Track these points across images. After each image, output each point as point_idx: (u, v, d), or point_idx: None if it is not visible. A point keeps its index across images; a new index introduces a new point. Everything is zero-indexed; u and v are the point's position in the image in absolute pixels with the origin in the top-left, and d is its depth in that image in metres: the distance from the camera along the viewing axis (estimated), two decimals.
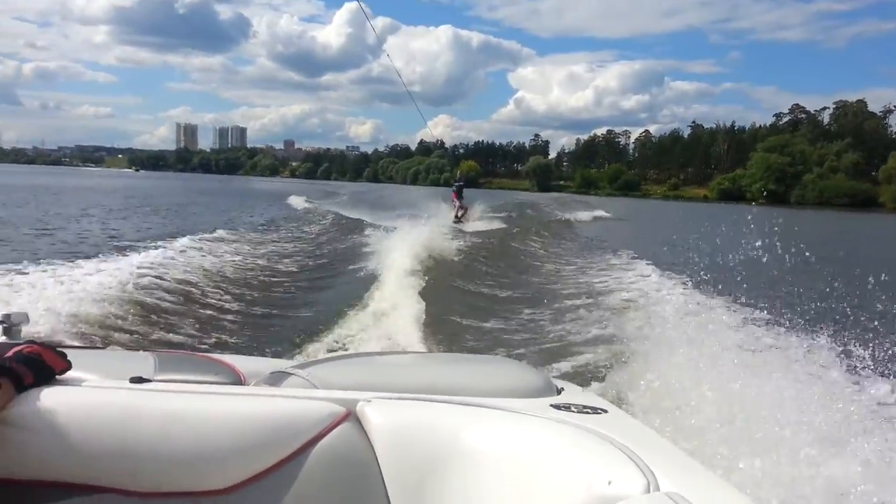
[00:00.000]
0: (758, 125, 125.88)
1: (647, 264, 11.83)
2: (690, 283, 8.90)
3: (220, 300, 7.60)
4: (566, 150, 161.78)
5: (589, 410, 1.39)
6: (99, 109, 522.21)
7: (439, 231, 13.91)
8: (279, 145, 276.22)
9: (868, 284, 6.43)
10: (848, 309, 6.30)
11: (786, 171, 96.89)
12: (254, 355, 2.72)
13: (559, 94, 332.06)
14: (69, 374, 1.33)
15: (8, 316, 1.63)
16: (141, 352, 1.85)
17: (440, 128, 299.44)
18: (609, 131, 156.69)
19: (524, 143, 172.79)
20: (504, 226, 20.93)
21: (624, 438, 1.20)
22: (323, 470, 1.27)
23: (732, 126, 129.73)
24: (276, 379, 1.49)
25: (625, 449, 1.15)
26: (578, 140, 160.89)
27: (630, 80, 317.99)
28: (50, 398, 1.22)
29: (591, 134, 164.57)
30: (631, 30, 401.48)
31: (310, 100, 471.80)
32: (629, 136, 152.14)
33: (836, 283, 7.66)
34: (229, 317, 7.02)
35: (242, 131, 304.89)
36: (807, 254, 7.23)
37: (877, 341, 4.02)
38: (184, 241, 11.79)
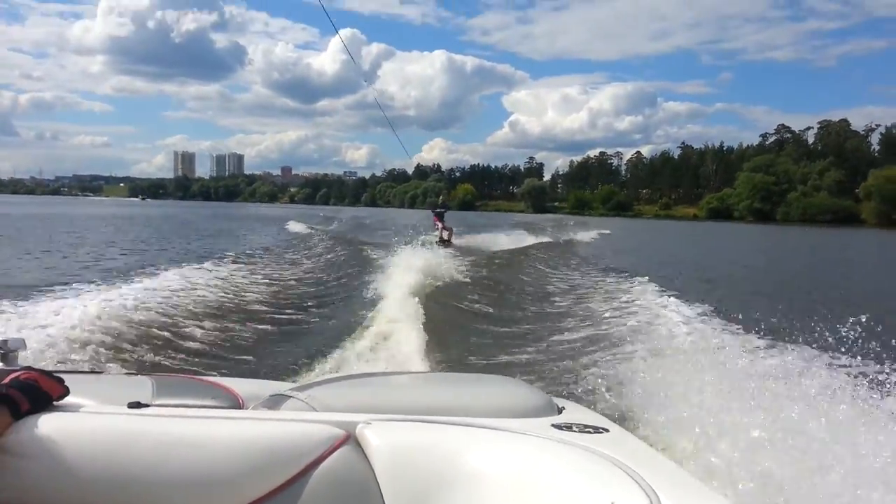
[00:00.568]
0: (745, 145, 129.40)
1: (643, 278, 12.18)
2: (695, 301, 9.12)
3: (218, 324, 7.56)
4: (560, 172, 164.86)
5: (591, 430, 1.40)
6: (95, 139, 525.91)
7: (440, 252, 14.04)
8: (276, 171, 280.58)
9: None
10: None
11: (771, 190, 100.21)
12: (252, 378, 2.96)
13: (553, 116, 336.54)
14: (67, 399, 1.33)
15: (5, 342, 1.63)
16: (139, 376, 1.85)
17: (436, 151, 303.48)
18: (602, 153, 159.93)
19: (519, 165, 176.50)
20: (510, 246, 21.25)
21: (626, 458, 1.20)
22: (323, 494, 1.26)
23: (721, 146, 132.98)
24: (275, 402, 1.49)
25: (627, 469, 1.15)
26: (572, 162, 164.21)
27: (623, 101, 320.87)
28: (47, 424, 1.22)
29: (585, 156, 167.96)
30: (622, 52, 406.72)
31: (305, 126, 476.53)
32: (621, 158, 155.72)
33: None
34: (227, 340, 7.01)
35: (240, 158, 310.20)
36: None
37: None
38: (183, 267, 11.95)
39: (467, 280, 12.07)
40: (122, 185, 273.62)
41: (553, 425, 1.41)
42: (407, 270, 10.49)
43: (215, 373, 5.12)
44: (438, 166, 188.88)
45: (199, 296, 8.86)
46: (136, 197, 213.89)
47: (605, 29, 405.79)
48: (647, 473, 1.12)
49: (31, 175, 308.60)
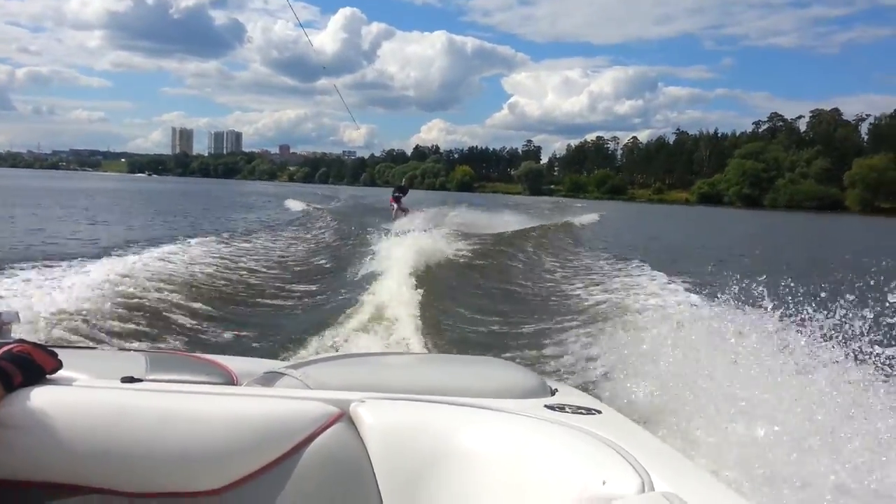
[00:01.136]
0: (738, 132, 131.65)
1: (642, 262, 12.27)
2: (691, 283, 9.25)
3: (213, 300, 7.56)
4: (557, 156, 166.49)
5: (583, 411, 1.41)
6: (92, 114, 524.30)
7: (438, 234, 14.08)
8: (274, 150, 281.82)
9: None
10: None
11: (760, 177, 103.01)
12: (247, 356, 3.10)
13: (554, 99, 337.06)
14: (60, 373, 1.32)
15: None
16: (133, 351, 1.83)
17: (434, 132, 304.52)
18: (598, 137, 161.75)
19: (517, 148, 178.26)
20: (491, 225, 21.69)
21: (618, 438, 1.21)
22: (316, 470, 1.27)
23: (716, 133, 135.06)
24: (269, 379, 1.50)
25: (619, 449, 1.16)
26: (569, 145, 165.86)
27: (624, 85, 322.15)
28: (40, 398, 1.21)
29: (582, 139, 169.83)
30: (625, 36, 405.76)
31: (304, 104, 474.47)
32: (618, 142, 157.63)
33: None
34: (222, 317, 7.02)
35: (238, 136, 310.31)
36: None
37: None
38: (179, 243, 11.97)
39: (463, 262, 12.19)
40: (122, 160, 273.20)
41: (546, 406, 1.43)
42: (405, 251, 10.52)
43: (210, 350, 5.00)
44: (437, 147, 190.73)
45: (195, 273, 8.92)
46: (141, 173, 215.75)
47: (608, 12, 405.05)
48: (639, 454, 1.14)
49: (28, 149, 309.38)
